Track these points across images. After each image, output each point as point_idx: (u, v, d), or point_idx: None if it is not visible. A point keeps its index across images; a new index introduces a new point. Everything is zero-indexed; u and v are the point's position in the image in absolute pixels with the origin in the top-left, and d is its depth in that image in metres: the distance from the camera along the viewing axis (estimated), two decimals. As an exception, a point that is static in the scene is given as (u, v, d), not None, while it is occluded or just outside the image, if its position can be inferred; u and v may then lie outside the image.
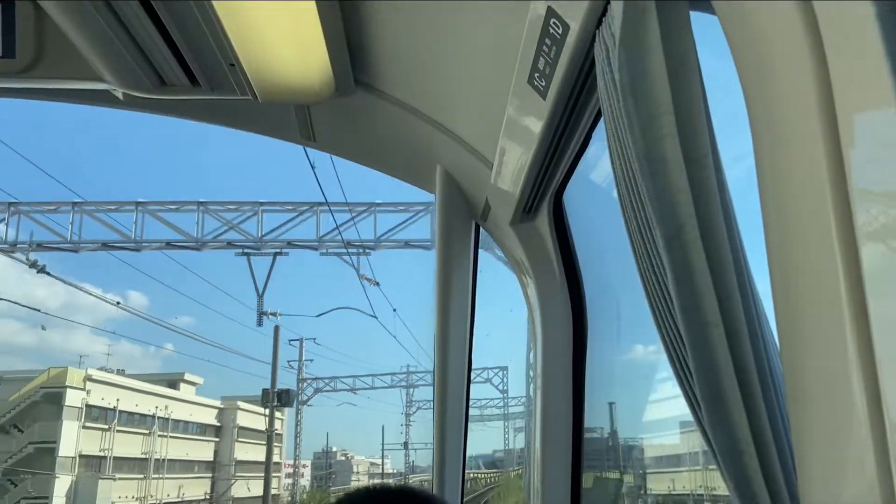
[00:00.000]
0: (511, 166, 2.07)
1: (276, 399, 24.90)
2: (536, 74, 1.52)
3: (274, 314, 22.86)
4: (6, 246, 15.25)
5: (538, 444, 2.50)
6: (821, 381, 0.76)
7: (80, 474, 30.55)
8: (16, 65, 1.99)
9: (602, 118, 1.27)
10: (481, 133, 2.20)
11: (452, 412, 2.77)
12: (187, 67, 2.00)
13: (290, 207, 15.89)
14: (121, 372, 35.63)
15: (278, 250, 16.82)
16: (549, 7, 1.32)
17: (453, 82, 2.12)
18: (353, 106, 2.29)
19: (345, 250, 16.23)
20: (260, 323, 21.86)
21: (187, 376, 38.98)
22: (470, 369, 2.84)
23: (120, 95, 2.15)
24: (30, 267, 15.40)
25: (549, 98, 1.53)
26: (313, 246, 16.04)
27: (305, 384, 31.54)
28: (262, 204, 15.67)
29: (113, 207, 15.50)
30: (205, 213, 15.51)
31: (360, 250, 16.58)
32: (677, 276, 0.88)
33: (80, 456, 30.89)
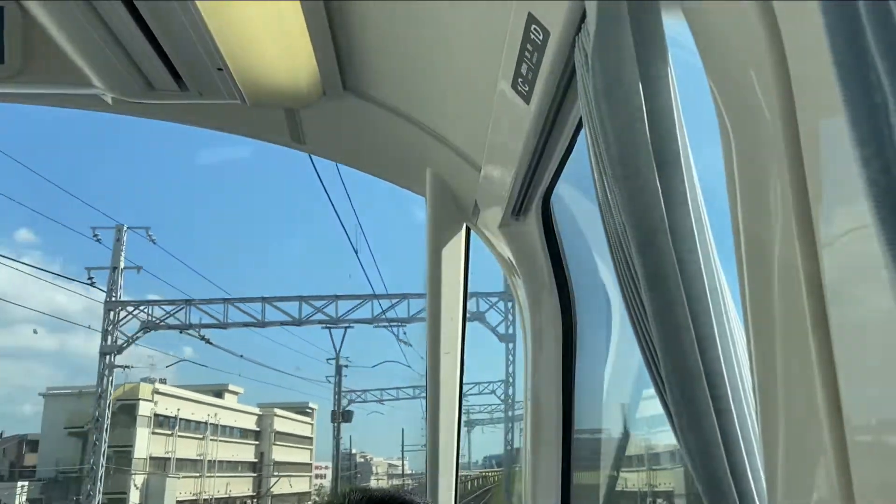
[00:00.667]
0: (499, 169, 2.08)
1: (342, 417, 34.98)
2: (520, 80, 1.53)
3: (347, 365, 34.89)
4: (184, 324, 23.83)
5: (529, 444, 2.51)
6: (787, 385, 0.77)
7: (151, 473, 36.36)
8: (4, 70, 2.00)
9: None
10: (470, 136, 2.21)
11: (445, 415, 2.77)
12: (175, 72, 2.01)
13: (355, 297, 24.58)
14: (163, 381, 40.99)
15: (348, 325, 26.06)
16: (529, 13, 1.33)
17: (441, 86, 2.13)
18: (342, 109, 2.30)
19: (388, 324, 25.48)
20: (337, 373, 34.02)
21: (231, 386, 44.97)
22: (462, 371, 2.85)
23: (109, 100, 2.16)
24: (199, 339, 23.97)
25: (532, 103, 1.54)
26: (369, 321, 24.88)
27: (345, 396, 38.63)
28: (338, 297, 24.36)
29: (247, 300, 24.28)
30: (302, 303, 23.97)
31: (399, 324, 25.61)
32: (650, 281, 0.89)
33: (150, 458, 36.81)
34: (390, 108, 2.26)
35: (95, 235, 24.74)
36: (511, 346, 25.49)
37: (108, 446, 32.29)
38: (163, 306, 24.05)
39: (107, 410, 23.97)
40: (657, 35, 0.97)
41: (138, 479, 35.12)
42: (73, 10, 1.75)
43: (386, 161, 2.60)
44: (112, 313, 23.60)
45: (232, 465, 44.36)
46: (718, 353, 0.88)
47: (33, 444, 39.26)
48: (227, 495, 42.93)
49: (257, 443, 47.82)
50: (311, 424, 55.13)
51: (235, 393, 46.38)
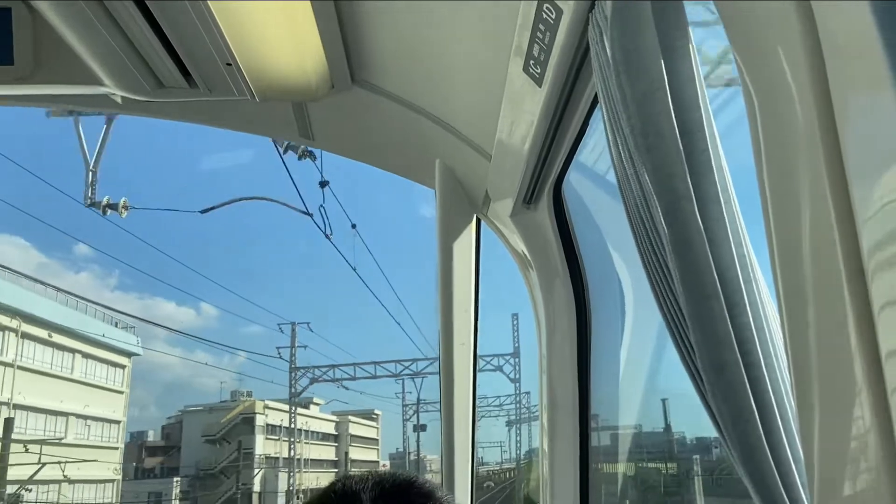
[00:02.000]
0: (509, 158, 2.08)
1: (422, 429, 50.95)
2: (532, 62, 1.52)
3: (424, 399, 49.09)
4: (333, 378, 39.76)
5: (546, 435, 2.50)
6: (821, 349, 0.76)
7: (267, 468, 49.53)
8: (15, 72, 2.00)
9: (599, 104, 1.28)
10: (479, 125, 2.21)
11: (460, 409, 2.76)
12: (185, 69, 2.01)
13: (424, 358, 37.78)
14: (250, 394, 54.62)
15: (424, 375, 40.91)
16: None
17: (449, 75, 2.13)
18: (350, 103, 2.29)
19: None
20: (417, 409, 50.24)
21: (315, 399, 58.43)
22: (476, 364, 2.84)
23: (119, 100, 2.16)
24: (341, 386, 40.50)
25: (544, 85, 1.54)
26: (436, 373, 33.21)
27: (409, 408, 53.29)
28: (416, 360, 38.43)
29: (364, 363, 39.32)
30: (396, 364, 40.01)
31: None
32: (676, 249, 0.89)
33: (265, 457, 50.12)
34: (399, 99, 2.25)
35: (280, 328, 41.81)
36: (517, 385, 42.32)
37: (235, 450, 48.23)
38: (320, 368, 40.38)
39: (296, 437, 41.21)
40: (676, 3, 0.97)
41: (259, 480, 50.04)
42: (83, 9, 1.75)
43: (395, 154, 2.60)
44: (293, 374, 40.60)
45: (318, 463, 57.58)
46: (749, 320, 0.87)
47: (151, 449, 51.73)
48: (318, 486, 55.80)
49: (337, 445, 62.47)
50: (377, 428, 69.55)
51: (318, 404, 59.88)
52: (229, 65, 1.98)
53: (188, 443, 50.15)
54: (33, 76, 2.03)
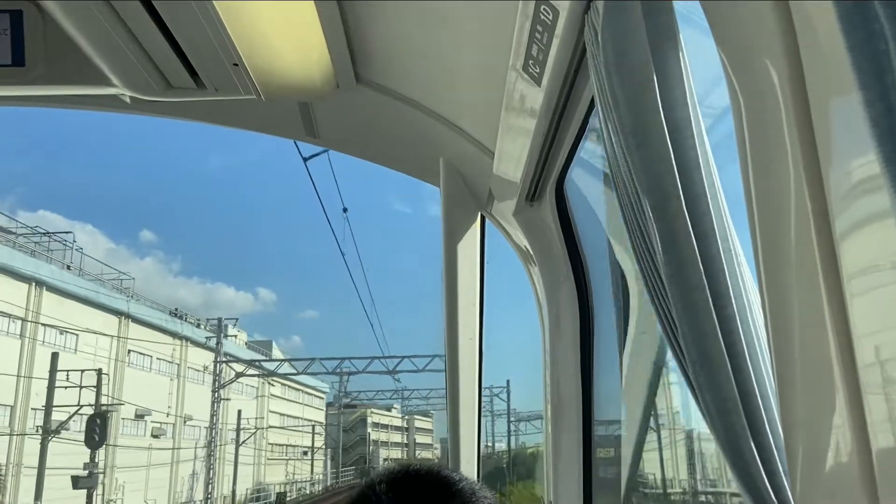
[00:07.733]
0: (512, 156, 2.10)
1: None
2: (531, 62, 1.55)
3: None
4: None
5: (550, 428, 2.53)
6: (802, 340, 0.79)
7: (373, 448, 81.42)
8: (27, 73, 2.04)
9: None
10: (482, 124, 2.23)
11: (465, 399, 2.80)
12: (192, 69, 2.05)
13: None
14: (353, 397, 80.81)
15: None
16: None
17: (453, 74, 2.15)
18: (355, 102, 2.33)
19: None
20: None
21: (394, 405, 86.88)
22: (481, 355, 2.87)
23: (128, 100, 2.20)
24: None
25: (543, 84, 1.56)
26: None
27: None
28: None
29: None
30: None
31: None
32: (664, 244, 0.91)
33: (373, 441, 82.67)
34: (403, 98, 2.28)
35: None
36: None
37: (357, 436, 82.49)
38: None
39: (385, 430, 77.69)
40: (666, 6, 0.99)
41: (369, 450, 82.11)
42: (91, 11, 1.79)
43: (399, 152, 2.63)
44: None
45: (397, 444, 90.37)
46: (734, 312, 0.89)
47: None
48: (398, 457, 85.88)
49: (407, 433, 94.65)
50: (431, 421, 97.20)
51: (394, 408, 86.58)
52: (236, 65, 2.01)
53: (331, 430, 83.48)
54: (45, 77, 2.07)
